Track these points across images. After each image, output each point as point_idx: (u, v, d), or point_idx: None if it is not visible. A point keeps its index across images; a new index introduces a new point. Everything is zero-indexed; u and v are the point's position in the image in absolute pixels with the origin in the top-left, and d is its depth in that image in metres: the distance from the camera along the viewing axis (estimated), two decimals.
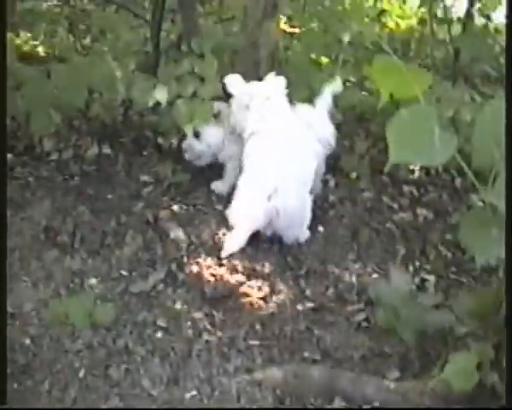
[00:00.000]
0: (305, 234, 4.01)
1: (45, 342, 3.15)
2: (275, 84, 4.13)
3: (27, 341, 3.18)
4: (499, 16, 8.03)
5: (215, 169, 4.53)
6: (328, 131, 4.28)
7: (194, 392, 2.94)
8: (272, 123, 4.01)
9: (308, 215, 3.99)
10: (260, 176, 3.85)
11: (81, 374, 3.01)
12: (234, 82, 4.15)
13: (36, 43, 7.06)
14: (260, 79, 4.31)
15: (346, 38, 4.75)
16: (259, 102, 4.06)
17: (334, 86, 4.39)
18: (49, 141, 4.85)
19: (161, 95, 4.28)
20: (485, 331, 2.76)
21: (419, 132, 2.17)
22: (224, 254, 3.77)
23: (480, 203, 2.43)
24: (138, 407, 2.88)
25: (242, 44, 4.43)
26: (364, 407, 2.86)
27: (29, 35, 7.04)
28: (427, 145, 2.15)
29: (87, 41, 7.05)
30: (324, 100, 4.35)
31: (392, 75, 2.26)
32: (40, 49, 6.89)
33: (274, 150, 3.91)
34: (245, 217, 3.81)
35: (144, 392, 2.94)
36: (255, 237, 3.87)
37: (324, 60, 5.12)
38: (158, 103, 4.33)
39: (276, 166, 3.84)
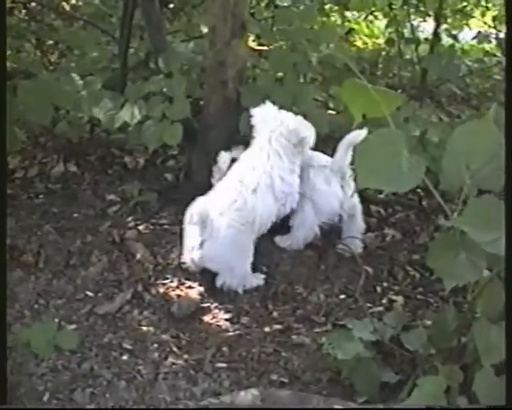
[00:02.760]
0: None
1: (8, 366, 3.09)
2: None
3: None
4: (466, 36, 8.16)
5: (182, 188, 4.50)
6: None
7: None
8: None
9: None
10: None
11: (45, 398, 2.95)
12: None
13: None
14: (227, 99, 4.33)
15: (314, 57, 4.74)
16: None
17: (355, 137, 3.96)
18: (14, 158, 4.81)
19: (129, 115, 4.25)
20: (453, 353, 2.75)
21: (387, 157, 2.17)
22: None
23: (448, 224, 2.44)
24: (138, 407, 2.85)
25: (210, 63, 4.41)
26: None
27: None
28: (396, 170, 2.15)
29: (54, 57, 7.01)
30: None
31: (362, 97, 2.26)
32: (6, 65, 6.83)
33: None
34: None
35: None
36: None
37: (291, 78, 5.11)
38: (125, 123, 4.30)
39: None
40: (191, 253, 3.69)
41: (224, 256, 3.71)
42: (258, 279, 3.82)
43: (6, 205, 2.91)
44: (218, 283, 3.72)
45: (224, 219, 3.65)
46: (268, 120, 3.95)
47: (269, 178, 3.82)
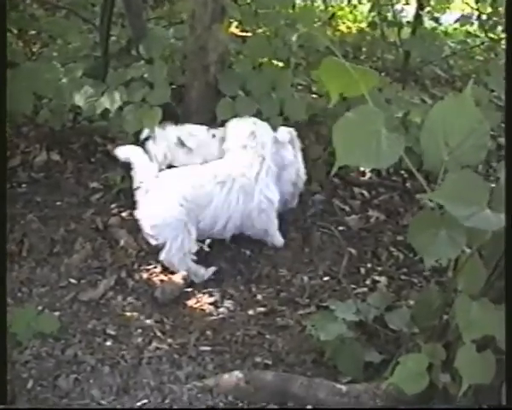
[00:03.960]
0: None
1: None
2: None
3: None
4: (448, 19, 8.14)
5: None
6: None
7: (145, 400, 2.89)
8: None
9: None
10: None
11: (29, 385, 2.94)
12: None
13: None
14: (208, 84, 4.33)
15: (295, 42, 4.72)
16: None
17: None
18: None
19: (110, 102, 4.23)
20: (435, 331, 2.76)
21: (365, 134, 2.17)
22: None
23: (431, 204, 2.44)
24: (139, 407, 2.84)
25: (191, 48, 4.39)
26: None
27: None
28: (374, 147, 2.15)
29: (37, 47, 6.97)
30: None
31: (339, 75, 2.25)
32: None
33: None
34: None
35: (94, 402, 2.88)
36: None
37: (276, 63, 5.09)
38: (107, 110, 4.28)
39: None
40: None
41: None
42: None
43: (5, 205, 2.87)
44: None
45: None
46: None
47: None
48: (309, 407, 2.84)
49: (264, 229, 3.98)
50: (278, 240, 4.04)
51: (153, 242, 3.73)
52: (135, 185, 3.76)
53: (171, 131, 4.18)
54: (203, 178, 3.81)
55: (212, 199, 3.77)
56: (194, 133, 4.17)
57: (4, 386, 2.51)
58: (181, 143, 4.13)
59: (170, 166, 4.08)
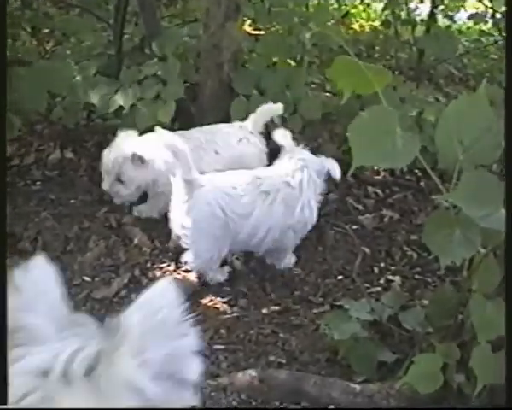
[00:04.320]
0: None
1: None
2: None
3: None
4: (462, 17, 8.11)
5: None
6: None
7: None
8: None
9: None
10: None
11: None
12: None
13: None
14: (222, 82, 4.32)
15: (308, 40, 4.72)
16: None
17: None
18: (11, 146, 4.79)
19: (123, 99, 4.24)
20: (450, 331, 2.75)
21: (380, 134, 2.16)
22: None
23: (446, 204, 2.43)
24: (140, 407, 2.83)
25: (205, 46, 4.40)
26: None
27: None
28: (389, 147, 2.14)
29: (50, 45, 6.98)
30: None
31: (351, 74, 2.25)
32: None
33: None
34: None
35: None
36: None
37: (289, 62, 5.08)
38: (121, 108, 4.29)
39: None
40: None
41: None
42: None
43: (5, 206, 2.86)
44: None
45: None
46: None
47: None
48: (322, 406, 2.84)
49: (288, 247, 3.85)
50: (292, 258, 3.94)
51: (183, 245, 3.66)
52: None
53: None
54: (245, 187, 3.58)
55: (254, 209, 3.56)
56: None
57: (5, 386, 2.50)
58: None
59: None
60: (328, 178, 3.75)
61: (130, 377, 1.16)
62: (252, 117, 4.18)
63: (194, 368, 1.27)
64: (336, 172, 3.67)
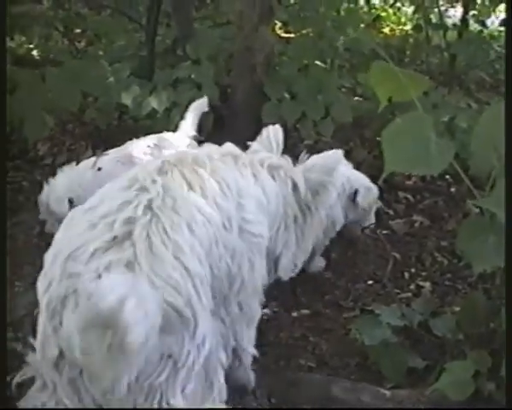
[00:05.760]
0: None
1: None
2: None
3: (19, 347, 3.12)
4: (494, 22, 8.06)
5: None
6: None
7: None
8: None
9: None
10: None
11: None
12: None
13: (30, 46, 7.04)
14: (254, 85, 4.32)
15: (341, 44, 4.72)
16: None
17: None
18: (44, 145, 4.83)
19: (157, 102, 4.25)
20: (481, 338, 2.74)
21: (414, 140, 2.16)
22: None
23: (477, 210, 2.42)
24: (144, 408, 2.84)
25: (238, 49, 4.41)
26: None
27: (23, 38, 7.02)
28: (424, 153, 2.13)
29: (82, 45, 7.04)
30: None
31: (388, 80, 2.25)
32: (35, 53, 6.87)
33: None
34: None
35: None
36: None
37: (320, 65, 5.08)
38: (153, 110, 4.31)
39: None
40: None
41: None
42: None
43: (6, 206, 2.88)
44: None
45: None
46: None
47: None
48: None
49: (316, 249, 3.71)
50: (321, 261, 3.93)
51: None
52: None
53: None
54: None
55: None
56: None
57: (5, 386, 2.51)
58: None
59: None
60: None
61: None
62: (187, 121, 4.01)
63: None
64: (360, 198, 3.75)
